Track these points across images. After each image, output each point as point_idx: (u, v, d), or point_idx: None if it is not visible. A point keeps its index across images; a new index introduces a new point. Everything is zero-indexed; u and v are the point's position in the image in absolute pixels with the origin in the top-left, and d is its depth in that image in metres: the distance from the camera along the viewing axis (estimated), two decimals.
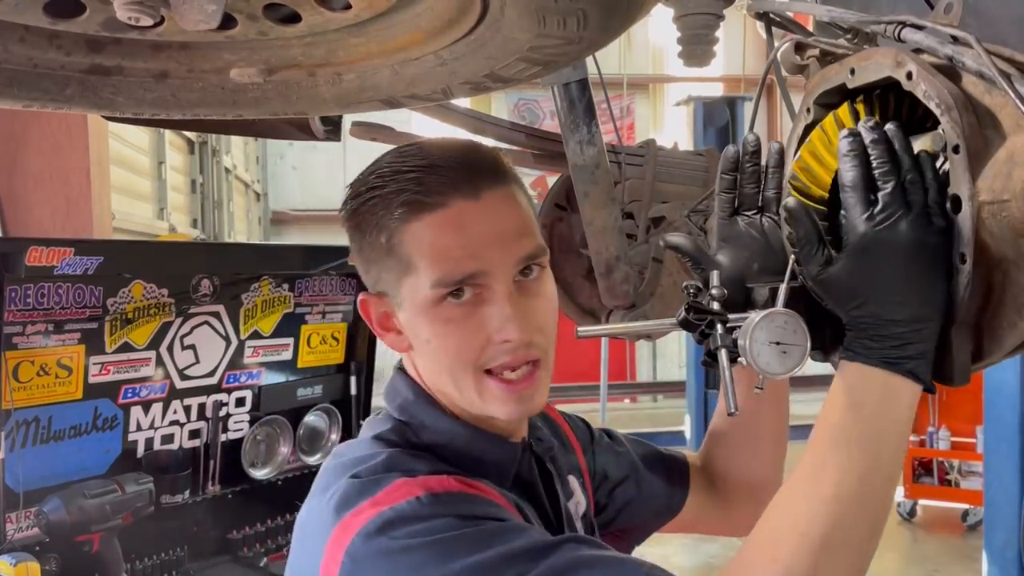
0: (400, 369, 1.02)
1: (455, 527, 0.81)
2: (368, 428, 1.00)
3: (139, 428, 2.46)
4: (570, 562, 0.80)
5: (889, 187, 0.83)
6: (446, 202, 0.90)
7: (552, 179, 2.11)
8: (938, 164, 0.89)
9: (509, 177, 0.95)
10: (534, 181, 11.17)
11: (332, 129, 1.96)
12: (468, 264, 0.90)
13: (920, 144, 0.93)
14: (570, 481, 1.11)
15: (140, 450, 2.47)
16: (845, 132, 0.90)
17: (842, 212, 0.88)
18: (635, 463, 1.24)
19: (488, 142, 2.09)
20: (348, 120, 1.96)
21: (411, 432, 0.97)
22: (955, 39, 0.86)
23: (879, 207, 0.83)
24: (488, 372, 0.92)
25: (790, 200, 0.94)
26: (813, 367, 1.10)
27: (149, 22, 0.82)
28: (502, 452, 0.97)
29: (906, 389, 0.83)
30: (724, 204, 1.02)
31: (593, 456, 1.20)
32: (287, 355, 2.80)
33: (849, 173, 0.86)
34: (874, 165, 0.85)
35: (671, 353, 12.92)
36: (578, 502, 1.11)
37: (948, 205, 0.85)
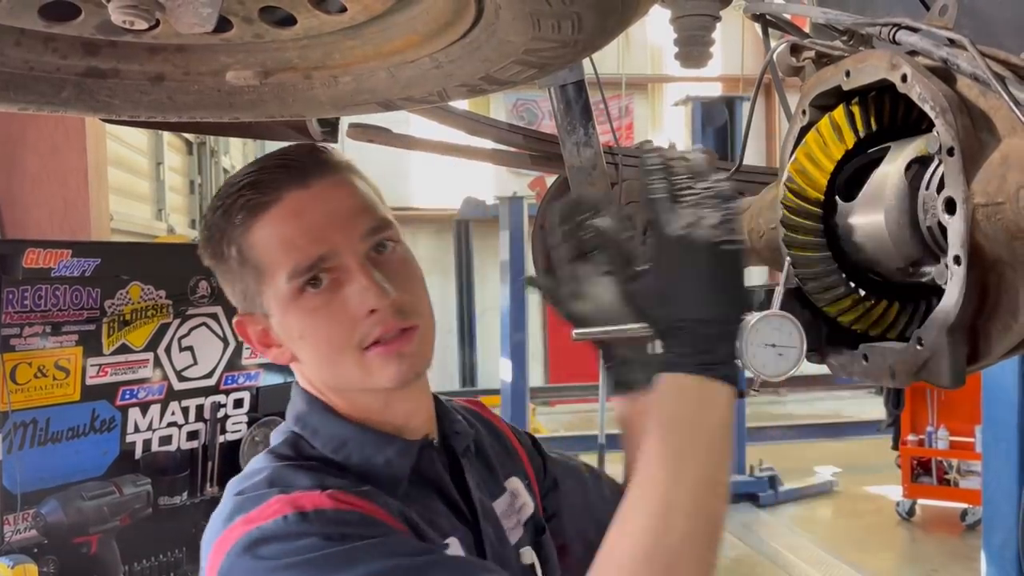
0: (295, 383, 1.03)
1: (319, 547, 0.81)
2: (272, 438, 1.02)
3: (137, 430, 2.46)
4: None
5: (688, 199, 0.85)
6: (279, 196, 0.93)
7: (550, 180, 2.11)
8: (932, 167, 0.89)
9: (341, 167, 0.98)
10: (532, 182, 11.18)
11: (329, 131, 1.96)
12: (313, 248, 0.91)
13: (915, 147, 0.94)
14: (511, 482, 1.11)
15: (138, 451, 2.47)
16: (649, 148, 0.93)
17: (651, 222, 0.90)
18: (583, 476, 1.25)
19: (485, 144, 2.09)
20: (346, 122, 1.96)
21: (304, 442, 0.97)
22: (950, 42, 0.86)
23: (680, 217, 0.85)
24: (365, 349, 0.93)
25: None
26: (812, 367, 1.11)
27: (144, 25, 0.82)
28: (394, 452, 0.96)
29: (722, 393, 0.83)
30: (566, 252, 1.03)
31: (543, 464, 1.21)
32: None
33: (654, 187, 0.88)
34: (675, 182, 0.87)
35: None
36: (523, 504, 1.10)
37: (942, 207, 0.86)
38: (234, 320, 1.00)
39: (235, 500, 0.90)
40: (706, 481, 0.80)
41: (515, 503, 1.10)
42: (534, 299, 9.96)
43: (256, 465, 0.96)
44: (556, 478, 1.20)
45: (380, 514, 0.88)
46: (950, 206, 0.85)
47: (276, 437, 1.01)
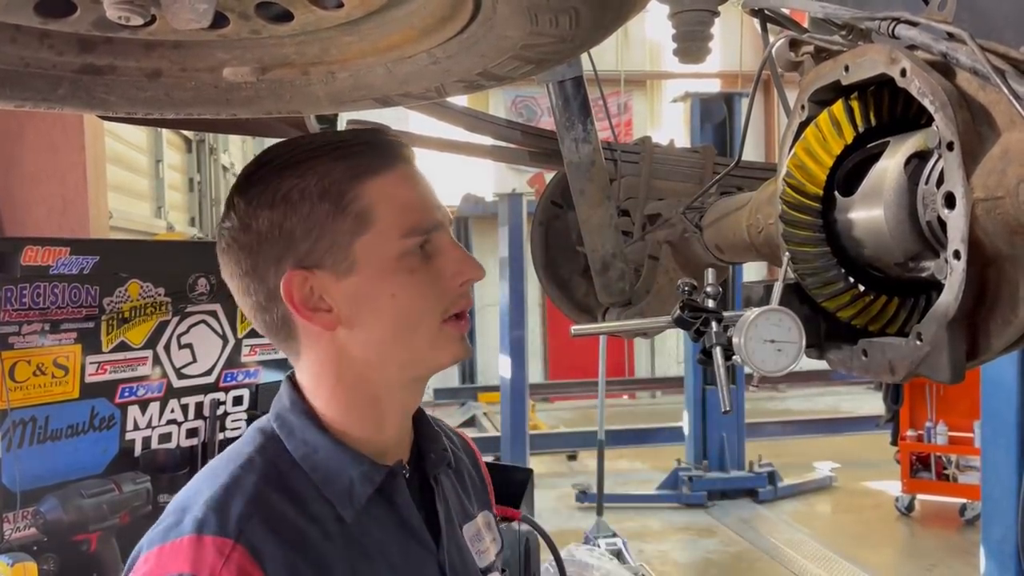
0: (289, 378, 1.01)
1: None
2: (250, 431, 1.01)
3: (136, 427, 2.45)
4: None
5: None
6: (393, 164, 0.95)
7: (549, 176, 2.11)
8: (932, 161, 0.89)
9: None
10: (531, 178, 11.18)
11: (327, 128, 1.96)
12: (434, 214, 0.96)
13: (914, 141, 0.93)
14: (484, 516, 1.11)
15: (137, 449, 2.46)
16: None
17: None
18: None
19: (485, 140, 2.08)
20: (343, 118, 1.96)
21: (277, 443, 0.96)
22: (949, 35, 0.86)
23: None
24: (444, 322, 0.96)
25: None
26: (811, 363, 1.11)
27: (140, 21, 0.82)
28: (359, 474, 0.93)
29: None
30: None
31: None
32: (289, 357, 2.79)
33: None
34: None
35: (669, 349, 12.93)
36: (486, 548, 1.08)
37: (942, 202, 0.85)
38: (284, 277, 0.92)
39: (168, 513, 0.90)
40: None
41: (483, 533, 1.09)
42: (533, 296, 9.96)
43: (220, 463, 0.95)
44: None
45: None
46: (950, 201, 0.84)
47: (253, 431, 0.99)
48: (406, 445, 1.03)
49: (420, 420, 1.06)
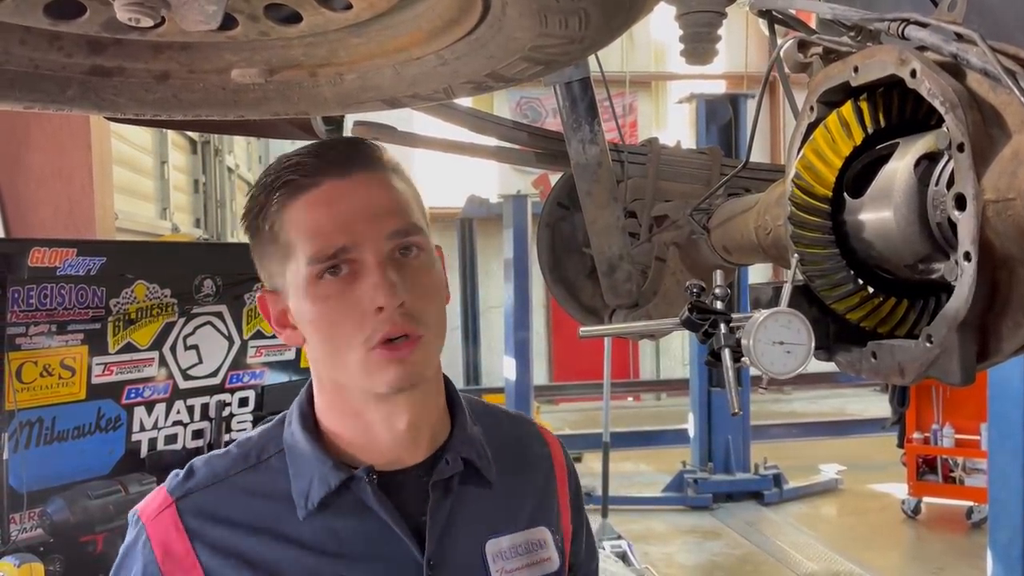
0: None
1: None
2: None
3: (142, 428, 2.46)
4: None
5: None
6: (318, 182, 0.94)
7: (553, 178, 2.11)
8: (942, 163, 0.88)
9: (385, 165, 0.99)
10: (536, 180, 11.17)
11: (334, 129, 1.96)
12: (338, 238, 0.93)
13: (924, 143, 0.93)
14: (538, 531, 1.06)
15: (143, 450, 2.47)
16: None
17: None
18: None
19: (490, 142, 2.08)
20: (350, 120, 1.96)
21: (281, 431, 1.02)
22: (959, 36, 0.85)
23: None
24: (372, 349, 0.93)
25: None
26: (817, 365, 1.10)
27: (149, 23, 0.82)
28: (319, 473, 0.96)
29: None
30: None
31: (583, 524, 1.17)
32: (290, 355, 2.80)
33: None
34: None
35: (675, 351, 12.91)
36: (547, 557, 1.05)
37: (952, 203, 0.85)
38: (257, 295, 1.02)
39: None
40: None
41: (533, 549, 1.05)
42: (538, 297, 9.94)
43: (245, 434, 1.07)
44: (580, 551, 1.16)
45: (182, 563, 0.94)
46: (960, 202, 0.84)
47: (282, 414, 1.06)
48: (426, 447, 1.01)
49: (455, 418, 1.05)
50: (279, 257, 0.96)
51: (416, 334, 0.93)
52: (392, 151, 1.04)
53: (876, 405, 10.39)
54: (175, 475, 0.99)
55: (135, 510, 0.99)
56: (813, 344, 0.97)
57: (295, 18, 0.95)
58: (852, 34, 1.05)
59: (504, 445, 1.08)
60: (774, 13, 1.20)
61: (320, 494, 0.95)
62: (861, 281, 1.04)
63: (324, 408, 1.01)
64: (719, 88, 11.36)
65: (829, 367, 1.09)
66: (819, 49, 1.10)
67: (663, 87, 13.36)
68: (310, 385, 1.04)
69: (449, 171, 11.08)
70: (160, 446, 2.51)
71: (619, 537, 5.37)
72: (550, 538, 1.07)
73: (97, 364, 2.33)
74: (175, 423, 2.55)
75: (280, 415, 1.05)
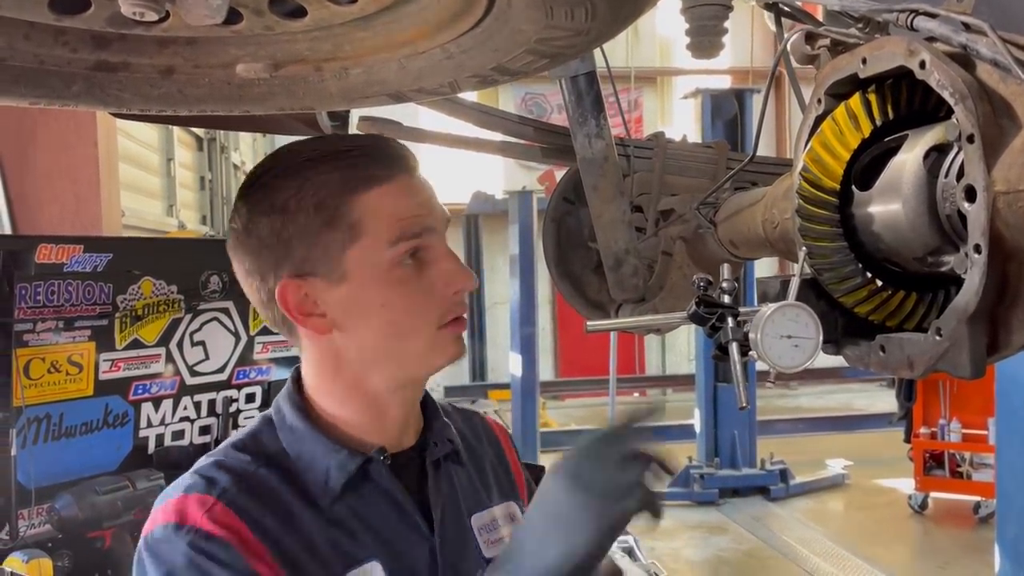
0: (296, 369, 1.05)
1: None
2: (256, 418, 1.07)
3: (150, 424, 2.47)
4: None
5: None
6: (392, 175, 0.97)
7: (560, 173, 2.10)
8: (952, 154, 0.88)
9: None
10: (541, 176, 11.16)
11: (339, 124, 1.96)
12: (424, 220, 0.97)
13: (933, 134, 0.92)
14: (509, 506, 1.12)
15: (151, 446, 2.48)
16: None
17: None
18: None
19: (496, 137, 2.08)
20: (356, 115, 1.96)
21: (272, 429, 1.01)
22: (969, 27, 0.85)
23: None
24: (441, 328, 0.99)
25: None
26: (823, 360, 1.10)
27: (154, 17, 0.82)
28: (335, 464, 0.97)
29: None
30: None
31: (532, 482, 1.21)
32: (297, 351, 2.80)
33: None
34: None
35: (680, 346, 12.90)
36: (500, 538, 1.08)
37: (962, 195, 0.84)
38: (279, 284, 0.97)
39: (179, 479, 0.96)
40: None
41: (507, 521, 1.10)
42: (544, 293, 9.94)
43: (218, 447, 1.02)
44: None
45: (253, 547, 0.90)
46: (970, 194, 0.83)
47: (257, 418, 1.05)
48: (414, 432, 1.06)
49: (427, 408, 1.09)
50: (337, 242, 0.94)
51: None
52: None
53: (883, 400, 10.37)
54: (194, 485, 0.93)
55: (169, 529, 0.91)
56: (821, 338, 0.96)
57: (300, 12, 0.95)
58: (860, 25, 1.04)
59: (462, 430, 1.14)
60: (781, 5, 1.20)
61: (342, 479, 0.96)
62: (870, 274, 1.04)
63: (330, 397, 1.01)
64: (725, 83, 11.34)
65: (835, 362, 1.09)
66: (826, 41, 1.09)
67: (668, 82, 13.33)
68: (297, 381, 1.03)
69: (455, 167, 11.07)
70: (167, 442, 2.52)
71: (626, 532, 5.37)
72: (518, 511, 1.14)
73: (104, 360, 2.33)
74: (182, 419, 2.55)
75: (256, 423, 1.03)
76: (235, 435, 1.03)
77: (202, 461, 0.98)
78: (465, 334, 1.04)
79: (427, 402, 1.10)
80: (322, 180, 0.95)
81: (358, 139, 1.03)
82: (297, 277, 0.96)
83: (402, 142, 1.03)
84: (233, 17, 0.93)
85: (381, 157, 0.98)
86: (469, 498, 1.08)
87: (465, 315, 1.01)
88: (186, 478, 0.96)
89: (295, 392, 1.03)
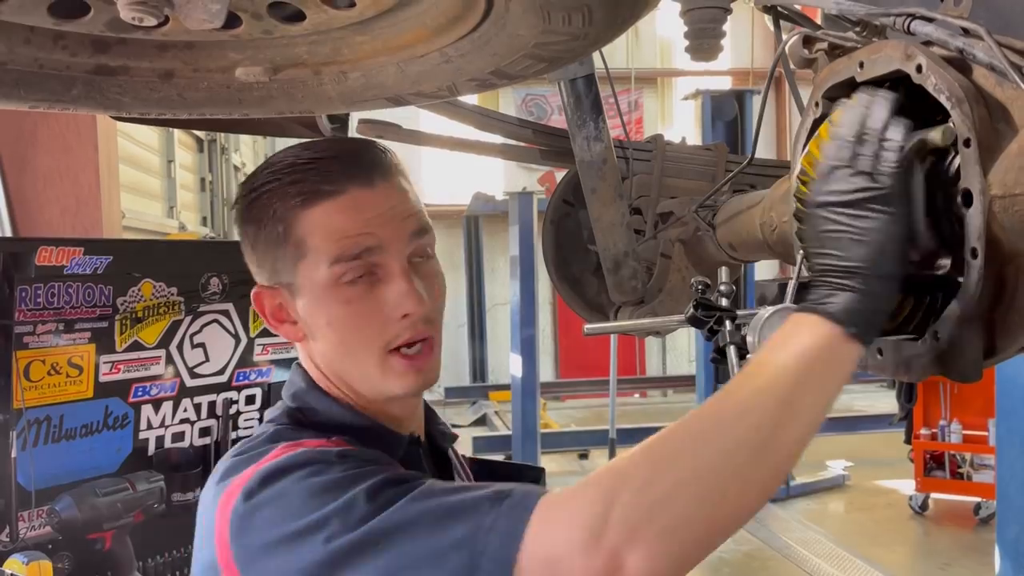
0: (297, 363, 1.05)
1: (331, 470, 0.84)
2: (263, 425, 1.03)
3: (150, 426, 2.47)
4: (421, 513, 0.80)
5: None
6: (342, 189, 0.94)
7: (559, 175, 2.10)
8: (948, 158, 0.88)
9: (398, 171, 0.99)
10: (541, 177, 11.16)
11: (339, 127, 1.96)
12: (363, 240, 0.93)
13: (930, 138, 0.92)
14: None
15: (151, 448, 2.47)
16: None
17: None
18: None
19: (495, 139, 2.08)
20: (355, 118, 1.96)
21: (302, 416, 0.99)
22: (966, 31, 0.85)
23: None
24: (390, 352, 0.95)
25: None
26: None
27: (153, 22, 0.82)
28: (385, 444, 0.97)
29: (814, 325, 0.82)
30: None
31: None
32: (296, 352, 2.80)
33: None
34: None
35: (681, 347, 12.90)
36: None
37: (960, 199, 0.85)
38: (253, 290, 1.00)
39: (236, 459, 0.92)
40: (750, 399, 0.80)
41: None
42: (544, 294, 9.94)
43: (255, 432, 0.98)
44: None
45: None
46: (967, 198, 0.84)
47: (271, 413, 1.02)
48: (418, 425, 1.06)
49: (426, 405, 1.09)
50: (291, 257, 0.95)
51: (430, 335, 0.97)
52: (398, 149, 1.04)
53: (883, 401, 10.36)
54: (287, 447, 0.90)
55: (294, 452, 0.88)
56: None
57: (299, 16, 0.95)
58: (857, 29, 1.04)
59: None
60: (779, 8, 1.20)
61: (396, 459, 0.95)
62: None
63: (344, 390, 0.99)
64: (725, 84, 11.34)
65: None
66: (824, 44, 1.09)
67: (668, 83, 13.33)
68: (309, 379, 1.01)
69: (454, 168, 11.09)
70: (167, 444, 2.52)
71: None
72: None
73: (104, 362, 2.33)
74: (182, 421, 2.55)
75: (262, 433, 0.98)
76: (266, 428, 0.98)
77: (258, 439, 0.94)
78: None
79: None
80: (283, 192, 0.95)
81: (333, 146, 0.99)
82: (269, 287, 0.99)
83: (387, 148, 1.01)
84: (232, 21, 0.93)
85: (337, 169, 0.94)
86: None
87: (418, 343, 0.95)
88: (258, 454, 0.90)
89: (314, 381, 1.00)
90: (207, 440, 2.60)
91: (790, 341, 0.82)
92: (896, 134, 0.85)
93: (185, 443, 2.55)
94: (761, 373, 0.81)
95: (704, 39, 1.67)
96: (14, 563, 2.07)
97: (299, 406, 1.00)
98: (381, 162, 0.97)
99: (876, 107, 0.86)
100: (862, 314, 0.82)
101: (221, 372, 2.63)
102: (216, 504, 0.90)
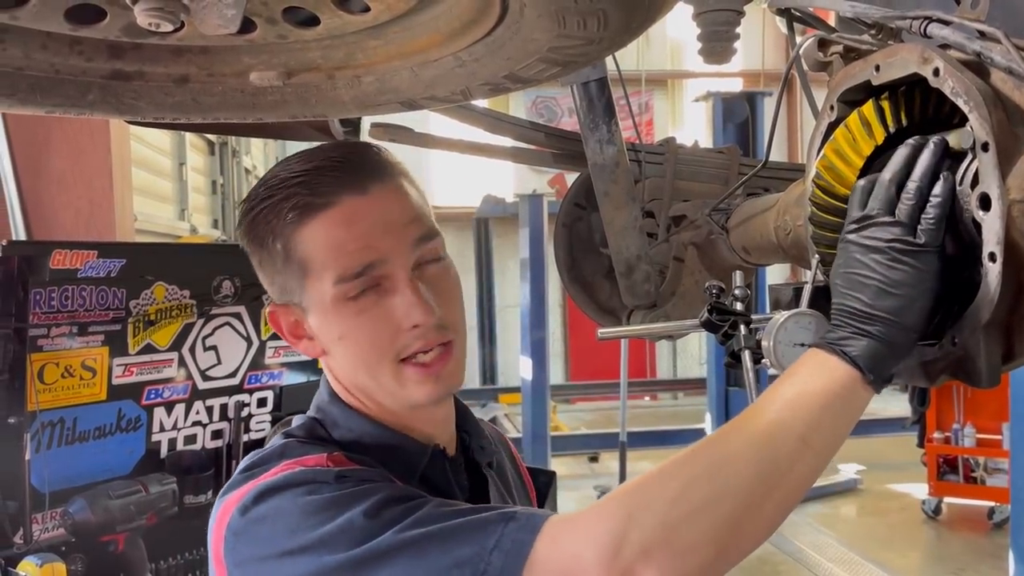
0: (324, 375, 1.04)
1: (327, 490, 0.84)
2: (286, 426, 1.03)
3: (162, 429, 2.48)
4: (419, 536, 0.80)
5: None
6: (335, 201, 0.92)
7: (569, 177, 2.10)
8: (966, 162, 0.87)
9: (396, 171, 0.97)
10: (552, 179, 11.16)
11: (351, 131, 1.97)
12: (364, 255, 0.91)
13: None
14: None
15: (163, 451, 2.49)
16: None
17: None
18: None
19: (506, 142, 2.08)
20: (367, 121, 1.96)
21: (321, 428, 0.99)
22: (983, 34, 0.84)
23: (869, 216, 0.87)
24: (403, 361, 0.93)
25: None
26: None
27: (169, 27, 0.82)
28: (405, 454, 0.96)
29: (835, 368, 0.83)
30: None
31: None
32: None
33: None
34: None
35: (692, 350, 12.86)
36: None
37: (977, 203, 0.84)
38: (267, 309, 1.00)
39: (243, 475, 0.92)
40: (770, 432, 0.81)
41: None
42: (554, 297, 9.92)
43: (269, 444, 0.98)
44: None
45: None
46: (985, 202, 0.83)
47: (296, 421, 1.02)
48: (449, 437, 1.04)
49: (462, 414, 1.08)
50: (296, 276, 0.94)
51: (447, 340, 0.95)
52: (408, 152, 1.03)
53: (896, 404, 10.30)
54: (292, 464, 0.91)
55: (293, 471, 0.88)
56: None
57: (313, 21, 0.95)
58: (873, 32, 1.04)
59: (489, 435, 1.14)
60: (793, 11, 1.19)
61: (417, 469, 0.96)
62: None
63: (367, 403, 0.99)
64: (736, 86, 11.31)
65: None
66: (839, 47, 1.09)
67: (679, 85, 13.31)
68: (331, 391, 1.00)
69: (465, 170, 11.09)
70: (180, 446, 2.53)
71: None
72: None
73: (118, 365, 2.34)
74: (194, 423, 2.56)
75: (271, 448, 0.97)
76: (280, 439, 0.97)
77: (267, 453, 0.93)
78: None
79: (460, 405, 1.08)
80: (278, 208, 0.93)
81: (324, 155, 0.95)
82: (283, 304, 0.98)
83: (382, 148, 0.99)
84: (247, 26, 0.93)
85: (328, 178, 0.92)
86: (505, 501, 1.08)
87: (431, 353, 0.93)
88: (263, 469, 0.90)
89: (337, 394, 1.00)
90: (219, 443, 2.61)
91: (811, 379, 0.83)
92: (943, 190, 0.85)
93: (197, 446, 2.56)
94: (781, 407, 0.82)
95: (717, 42, 1.67)
96: (28, 565, 2.08)
97: (320, 417, 1.00)
98: (375, 165, 0.95)
99: (926, 156, 0.86)
100: (883, 361, 0.84)
101: (233, 375, 2.64)
102: (214, 519, 0.90)
